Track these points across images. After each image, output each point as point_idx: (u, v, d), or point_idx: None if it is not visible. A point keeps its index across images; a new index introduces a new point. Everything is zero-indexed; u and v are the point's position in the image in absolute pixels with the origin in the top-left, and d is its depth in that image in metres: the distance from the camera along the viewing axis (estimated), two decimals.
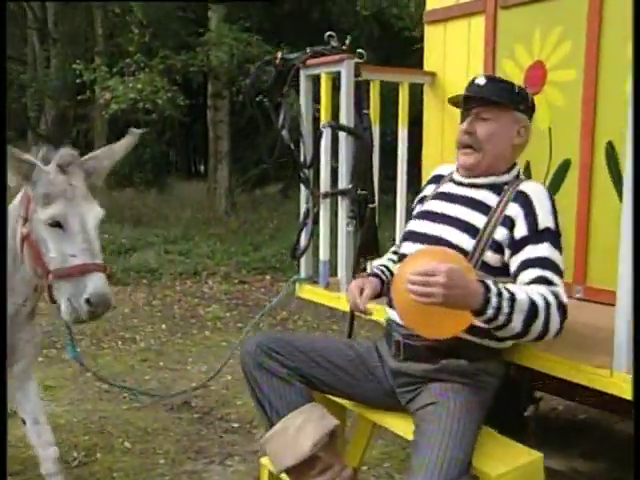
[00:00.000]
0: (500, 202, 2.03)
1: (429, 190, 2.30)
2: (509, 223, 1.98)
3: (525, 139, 2.11)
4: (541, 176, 2.80)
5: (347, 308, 2.78)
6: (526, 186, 2.04)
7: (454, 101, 2.18)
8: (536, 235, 1.94)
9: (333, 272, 2.97)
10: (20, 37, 15.97)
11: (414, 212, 2.30)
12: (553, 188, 2.72)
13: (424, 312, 1.79)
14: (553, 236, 1.96)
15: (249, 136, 13.22)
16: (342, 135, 2.79)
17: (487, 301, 1.75)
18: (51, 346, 5.27)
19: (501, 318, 1.77)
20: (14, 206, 2.28)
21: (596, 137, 2.61)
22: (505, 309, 1.76)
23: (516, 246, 1.96)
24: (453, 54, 3.20)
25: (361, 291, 2.13)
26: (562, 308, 1.85)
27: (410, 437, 1.98)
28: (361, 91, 2.83)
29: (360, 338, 2.40)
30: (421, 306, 1.75)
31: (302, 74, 2.91)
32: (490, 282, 1.80)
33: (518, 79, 2.89)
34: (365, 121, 2.81)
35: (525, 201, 1.99)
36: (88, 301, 2.06)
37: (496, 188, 2.07)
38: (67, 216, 2.13)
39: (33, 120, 12.92)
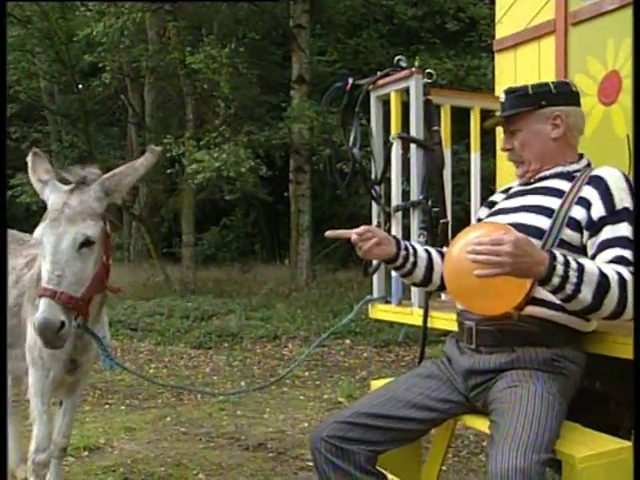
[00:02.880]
0: (574, 186, 1.98)
1: (498, 197, 2.29)
2: (585, 204, 1.93)
3: (567, 126, 2.07)
4: None
5: (420, 322, 2.72)
6: (600, 170, 2.00)
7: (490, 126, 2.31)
8: (613, 215, 1.88)
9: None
10: (120, 132, 17.14)
11: (483, 214, 2.28)
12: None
13: (476, 284, 1.72)
14: (632, 216, 1.88)
15: (330, 210, 13.47)
16: (413, 150, 2.79)
17: (553, 269, 1.70)
18: (134, 397, 5.37)
19: (569, 287, 1.71)
20: None
21: None
22: (572, 278, 1.71)
23: (594, 227, 1.89)
24: (524, 77, 3.17)
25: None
26: None
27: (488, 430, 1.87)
28: (431, 109, 2.84)
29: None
30: (473, 278, 1.68)
31: (372, 95, 2.96)
32: (557, 252, 1.75)
33: (592, 91, 2.86)
34: (435, 137, 2.81)
35: (600, 183, 1.94)
36: (34, 326, 2.07)
37: (566, 175, 2.05)
38: (43, 237, 2.15)
39: (128, 202, 13.57)
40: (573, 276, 1.70)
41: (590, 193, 1.93)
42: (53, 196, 2.24)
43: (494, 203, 2.27)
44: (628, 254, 1.81)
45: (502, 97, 2.16)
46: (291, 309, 9.14)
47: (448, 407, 2.03)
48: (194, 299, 9.55)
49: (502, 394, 1.85)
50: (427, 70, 2.88)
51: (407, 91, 2.84)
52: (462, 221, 3.33)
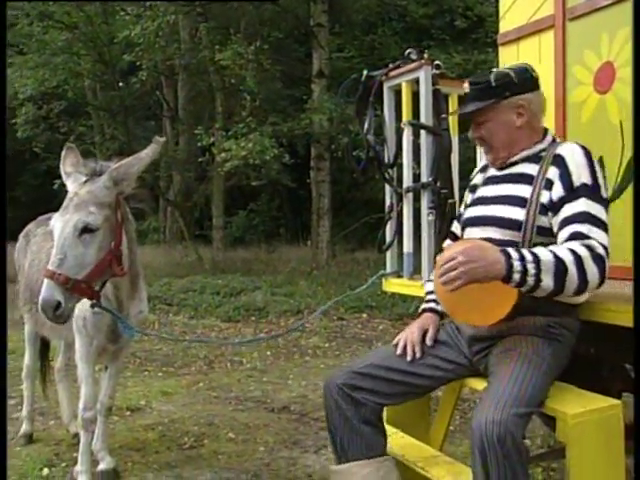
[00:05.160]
0: (541, 168, 1.95)
1: (478, 179, 2.24)
2: (550, 185, 1.90)
3: (530, 112, 2.01)
4: (614, 168, 2.69)
5: None
6: (561, 148, 1.96)
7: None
8: (572, 193, 1.85)
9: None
10: (156, 125, 17.22)
11: (468, 200, 2.24)
12: (627, 180, 2.59)
13: (467, 300, 1.75)
14: (590, 190, 1.84)
15: (348, 195, 13.48)
16: (423, 135, 2.80)
17: (510, 266, 1.69)
18: (170, 365, 5.45)
19: (530, 279, 1.70)
20: None
21: None
22: (531, 270, 1.69)
23: (555, 207, 1.87)
24: None
25: (424, 334, 2.07)
26: (599, 258, 1.72)
27: None
28: (439, 98, 2.84)
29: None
30: (463, 295, 1.73)
31: (385, 86, 2.96)
32: (511, 249, 1.73)
33: (588, 81, 2.84)
34: (443, 124, 2.80)
35: (560, 162, 1.91)
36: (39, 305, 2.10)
37: (534, 158, 2.00)
38: (55, 225, 2.17)
39: (164, 188, 13.69)
40: (531, 268, 1.69)
41: (553, 174, 1.90)
42: (71, 187, 2.27)
43: (476, 187, 2.22)
44: (585, 228, 1.78)
45: (466, 87, 2.07)
46: (312, 286, 9.19)
47: (454, 367, 2.05)
48: (224, 277, 9.64)
49: (497, 357, 1.88)
50: (435, 62, 2.88)
51: (417, 82, 2.85)
52: None
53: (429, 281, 2.26)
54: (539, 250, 1.75)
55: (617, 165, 2.69)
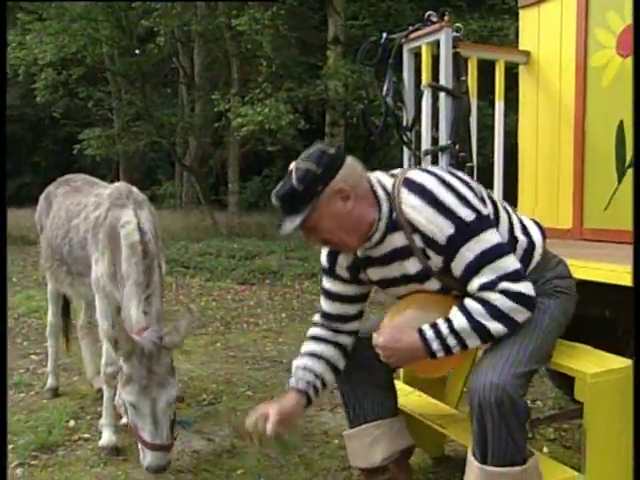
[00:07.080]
0: (408, 240, 1.71)
1: (343, 260, 1.89)
2: (427, 255, 1.70)
3: (352, 188, 1.69)
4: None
5: None
6: (406, 210, 1.68)
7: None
8: (448, 253, 1.65)
9: None
10: (172, 92, 17.12)
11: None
12: None
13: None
14: (459, 233, 1.62)
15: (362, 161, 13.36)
16: (442, 98, 2.74)
17: (429, 347, 1.66)
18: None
19: (455, 349, 1.66)
20: None
21: None
22: (452, 342, 1.65)
23: (447, 269, 1.69)
24: (546, 33, 3.09)
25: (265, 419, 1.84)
26: (515, 296, 1.61)
27: None
28: (459, 61, 2.78)
29: None
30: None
31: (405, 48, 2.90)
32: (426, 327, 1.67)
33: (611, 44, 2.76)
34: (463, 87, 2.75)
35: (416, 229, 1.67)
36: (147, 468, 2.25)
37: (391, 227, 1.73)
38: (139, 402, 2.25)
39: (180, 154, 13.66)
40: (451, 340, 1.64)
41: (421, 243, 1.69)
42: (135, 359, 2.29)
43: (353, 267, 1.89)
44: (487, 276, 1.62)
45: (276, 203, 1.72)
46: None
47: None
48: (239, 241, 9.66)
49: None
50: (456, 24, 2.81)
51: (437, 44, 2.78)
52: (485, 170, 3.29)
53: (301, 356, 2.06)
54: (455, 316, 1.65)
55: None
